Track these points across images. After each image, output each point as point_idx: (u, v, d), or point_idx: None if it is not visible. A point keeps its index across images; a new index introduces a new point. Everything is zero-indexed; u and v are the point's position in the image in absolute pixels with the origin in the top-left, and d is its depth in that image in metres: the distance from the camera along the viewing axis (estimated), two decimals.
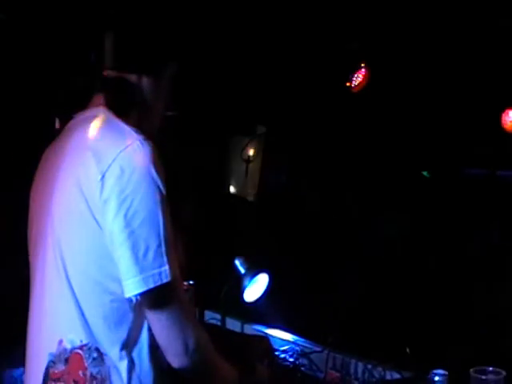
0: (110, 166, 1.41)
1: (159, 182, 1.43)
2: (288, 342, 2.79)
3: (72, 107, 1.63)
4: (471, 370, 1.97)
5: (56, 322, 1.54)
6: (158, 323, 1.47)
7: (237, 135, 3.54)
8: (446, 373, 2.08)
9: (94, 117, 1.53)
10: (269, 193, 3.67)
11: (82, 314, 1.49)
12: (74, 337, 1.50)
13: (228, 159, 3.56)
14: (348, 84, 3.47)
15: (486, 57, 3.29)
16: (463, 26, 3.25)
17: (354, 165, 3.80)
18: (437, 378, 2.08)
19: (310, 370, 2.65)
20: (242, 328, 2.98)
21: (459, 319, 3.13)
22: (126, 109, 1.54)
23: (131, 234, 1.41)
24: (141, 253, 1.41)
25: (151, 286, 1.42)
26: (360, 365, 2.48)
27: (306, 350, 2.69)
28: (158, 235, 1.42)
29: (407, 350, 2.42)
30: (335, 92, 3.61)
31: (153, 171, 1.43)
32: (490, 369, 1.96)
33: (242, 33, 3.16)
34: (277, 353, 2.73)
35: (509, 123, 3.41)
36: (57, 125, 4.06)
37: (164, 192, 1.44)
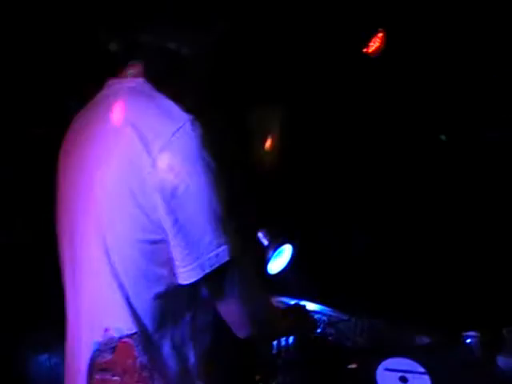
0: (161, 150, 1.32)
1: (211, 164, 1.34)
2: (315, 312, 2.79)
3: (103, 72, 1.48)
4: (504, 329, 1.95)
5: (101, 311, 1.45)
6: (222, 303, 1.43)
7: (254, 107, 3.50)
8: (478, 334, 2.06)
9: (135, 89, 1.41)
10: (288, 165, 3.64)
11: (130, 303, 1.41)
12: (121, 326, 1.43)
13: (247, 131, 3.53)
14: (365, 50, 3.43)
15: (507, 17, 3.23)
16: None
17: (371, 131, 3.76)
18: (468, 341, 2.07)
19: (338, 339, 2.65)
20: None
21: (488, 279, 3.10)
22: (166, 81, 1.42)
23: (186, 222, 1.34)
24: (196, 239, 1.34)
25: (207, 270, 1.36)
26: (388, 331, 2.47)
27: (333, 320, 2.69)
28: (215, 218, 1.35)
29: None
30: (352, 58, 3.56)
31: (204, 154, 1.33)
32: None
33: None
34: None
35: None
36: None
37: (216, 171, 1.35)
